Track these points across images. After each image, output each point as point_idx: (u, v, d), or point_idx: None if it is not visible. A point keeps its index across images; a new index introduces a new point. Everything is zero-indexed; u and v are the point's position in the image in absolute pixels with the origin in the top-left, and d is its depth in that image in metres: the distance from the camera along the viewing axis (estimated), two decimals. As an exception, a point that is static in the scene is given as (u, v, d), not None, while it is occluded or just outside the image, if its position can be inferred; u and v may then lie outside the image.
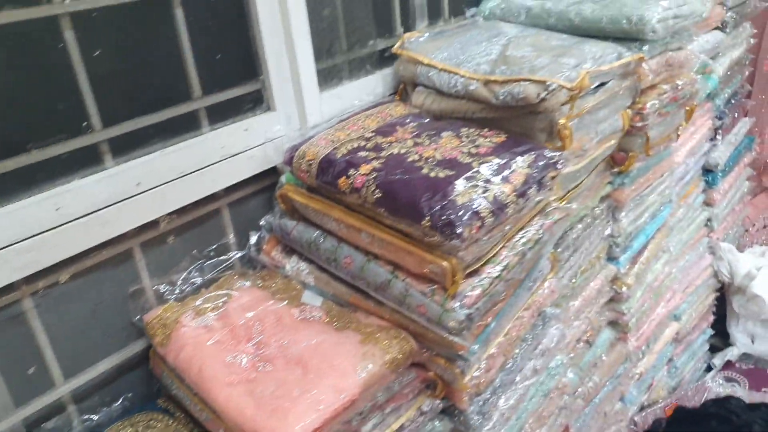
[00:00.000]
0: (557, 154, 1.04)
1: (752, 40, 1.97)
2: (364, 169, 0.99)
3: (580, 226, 1.30)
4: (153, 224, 1.02)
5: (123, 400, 1.05)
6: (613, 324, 1.56)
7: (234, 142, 1.07)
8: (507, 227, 1.00)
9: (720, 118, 1.86)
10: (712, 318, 2.16)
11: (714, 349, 2.23)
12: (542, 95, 1.06)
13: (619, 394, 1.63)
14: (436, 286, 0.94)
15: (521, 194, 0.96)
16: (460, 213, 0.88)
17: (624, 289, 1.50)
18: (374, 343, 0.95)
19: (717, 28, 1.72)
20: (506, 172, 0.97)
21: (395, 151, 1.04)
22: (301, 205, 1.09)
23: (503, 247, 1.00)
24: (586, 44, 1.22)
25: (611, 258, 1.48)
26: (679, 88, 1.40)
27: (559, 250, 1.24)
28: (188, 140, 1.02)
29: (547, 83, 1.06)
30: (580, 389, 1.43)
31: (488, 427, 1.09)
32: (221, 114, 1.07)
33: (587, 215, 1.32)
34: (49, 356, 0.96)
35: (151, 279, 1.05)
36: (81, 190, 0.90)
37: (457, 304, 0.91)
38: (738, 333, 2.21)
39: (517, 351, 1.13)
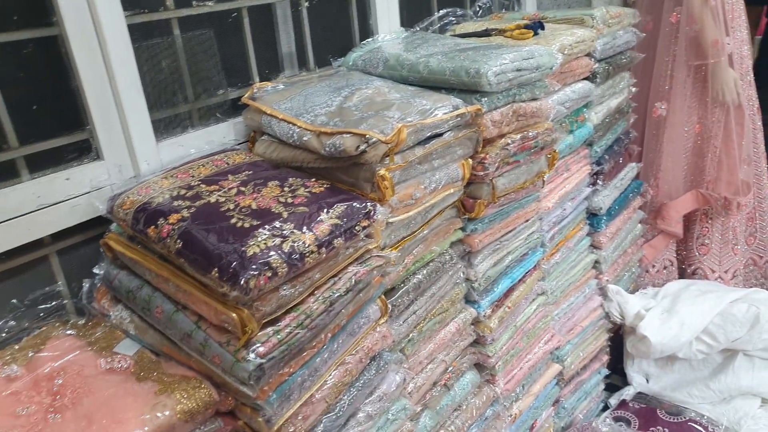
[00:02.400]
0: (370, 204, 1.08)
1: (633, 89, 2.06)
2: (173, 218, 1.01)
3: (424, 271, 1.32)
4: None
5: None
6: (479, 366, 1.57)
7: (54, 190, 1.08)
8: (317, 275, 1.02)
9: (599, 164, 1.92)
10: (606, 358, 2.19)
11: (614, 388, 2.26)
12: (362, 148, 1.10)
13: (489, 437, 1.64)
14: (232, 337, 0.95)
15: (325, 244, 0.99)
16: (248, 263, 0.90)
17: (487, 332, 1.52)
18: (170, 393, 0.95)
19: (587, 78, 1.80)
20: (312, 223, 1.00)
21: (212, 199, 1.06)
22: (120, 253, 1.10)
23: (311, 295, 1.02)
24: (422, 97, 1.27)
25: (471, 301, 1.51)
26: (531, 137, 1.45)
27: (397, 295, 1.26)
28: (3, 189, 1.03)
29: (367, 136, 1.10)
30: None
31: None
32: (41, 163, 1.08)
33: (433, 260, 1.35)
34: None
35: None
36: None
37: (250, 354, 0.92)
38: (633, 372, 2.24)
39: (344, 397, 1.14)
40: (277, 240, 0.95)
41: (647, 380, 2.22)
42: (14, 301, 1.10)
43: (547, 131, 1.51)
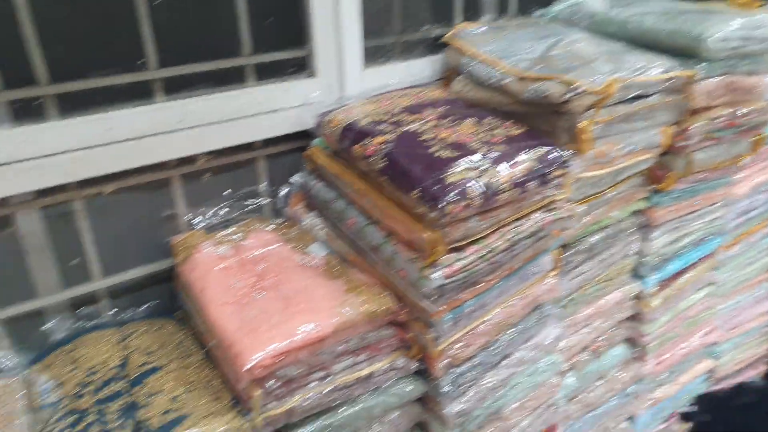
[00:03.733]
0: (568, 153, 1.07)
1: None
2: (378, 140, 1.08)
3: (600, 234, 1.30)
4: (191, 160, 1.17)
5: (147, 307, 1.21)
6: (630, 341, 1.53)
7: (274, 100, 1.19)
8: (503, 214, 1.04)
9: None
10: (764, 369, 2.02)
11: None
12: (567, 96, 1.09)
13: (629, 413, 1.60)
14: (419, 255, 1.01)
15: (519, 185, 1.01)
16: (447, 189, 0.94)
17: (647, 310, 1.47)
18: (357, 294, 1.04)
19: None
20: (509, 162, 1.02)
21: (413, 128, 1.11)
22: (321, 166, 1.20)
23: (496, 231, 1.05)
24: (633, 54, 1.22)
25: (639, 276, 1.46)
26: (740, 115, 1.35)
27: (569, 252, 1.25)
28: (232, 90, 1.16)
29: (574, 85, 1.09)
30: (580, 396, 1.44)
31: (463, 400, 1.14)
32: (265, 72, 1.19)
33: (610, 225, 1.32)
34: (92, 253, 1.14)
35: (186, 208, 1.21)
36: (130, 117, 1.05)
37: (435, 273, 0.98)
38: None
39: (504, 336, 1.17)
40: (475, 173, 0.98)
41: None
42: (228, 192, 1.24)
43: (760, 111, 1.39)
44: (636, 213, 1.38)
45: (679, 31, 1.26)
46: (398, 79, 1.33)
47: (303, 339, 0.96)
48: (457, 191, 0.94)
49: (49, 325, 1.13)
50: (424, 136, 1.08)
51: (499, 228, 1.05)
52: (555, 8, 1.51)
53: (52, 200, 1.06)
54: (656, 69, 1.17)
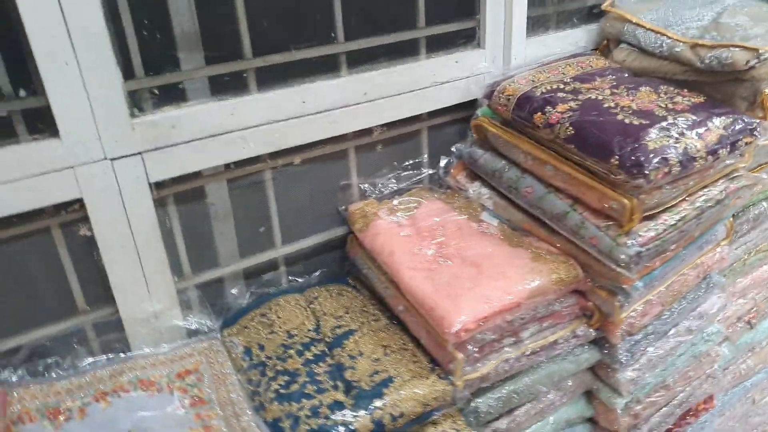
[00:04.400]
0: (757, 122, 1.06)
1: None
2: (561, 108, 1.08)
3: (766, 204, 1.28)
4: (368, 132, 1.21)
5: (321, 272, 1.27)
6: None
7: (444, 71, 1.21)
8: (691, 182, 1.04)
9: None
10: None
11: None
12: (751, 63, 1.07)
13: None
14: (611, 223, 1.02)
15: (712, 152, 1.00)
16: (650, 156, 0.95)
17: (803, 282, 1.45)
18: (543, 262, 1.06)
19: None
20: (701, 129, 1.01)
21: (592, 96, 1.11)
22: (493, 135, 1.21)
23: (684, 200, 1.05)
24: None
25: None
26: None
27: (738, 221, 1.24)
28: (408, 63, 1.18)
29: (760, 51, 1.07)
30: (731, 367, 1.43)
31: (634, 367, 1.16)
32: (437, 45, 1.21)
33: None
34: (276, 222, 1.19)
35: (358, 178, 1.25)
36: (322, 90, 1.09)
37: (631, 241, 0.99)
38: None
39: (675, 305, 1.18)
40: (672, 140, 0.98)
41: None
42: (395, 162, 1.28)
43: None
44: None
45: None
46: (558, 48, 1.33)
47: (501, 304, 0.98)
48: (659, 158, 0.95)
49: (234, 290, 1.19)
50: (607, 104, 1.09)
51: (687, 196, 1.05)
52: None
53: (244, 171, 1.11)
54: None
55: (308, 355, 1.03)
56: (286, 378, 0.98)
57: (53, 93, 0.85)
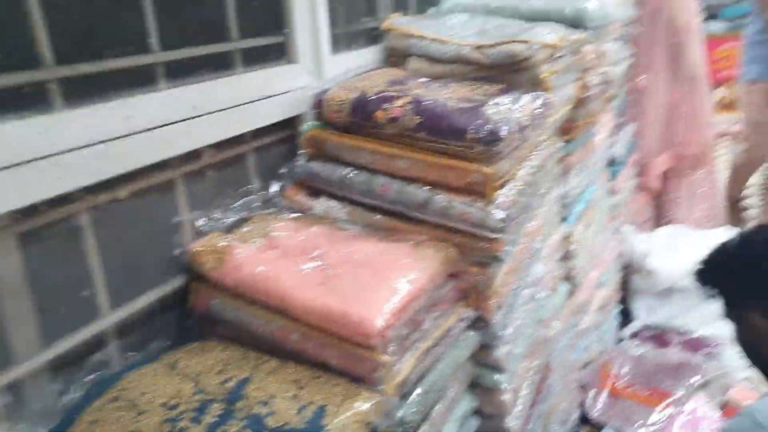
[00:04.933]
0: (550, 97, 1.24)
1: (629, 61, 2.39)
2: (399, 102, 1.11)
3: (545, 182, 1.50)
4: (196, 156, 1.04)
5: (163, 340, 1.02)
6: (567, 279, 1.76)
7: (267, 85, 1.14)
8: (521, 152, 1.16)
9: (620, 115, 2.22)
10: (619, 295, 2.47)
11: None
12: (530, 51, 1.26)
13: (573, 345, 1.82)
14: (474, 197, 1.06)
15: (533, 120, 1.14)
16: (498, 125, 1.03)
17: (573, 246, 1.72)
18: (425, 248, 1.04)
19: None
20: (519, 105, 1.14)
21: (419, 92, 1.17)
22: (333, 144, 1.17)
23: (518, 169, 1.16)
24: (542, 26, 1.45)
25: (563, 218, 1.70)
26: (605, 73, 1.69)
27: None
28: (230, 77, 1.08)
29: (531, 42, 1.27)
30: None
31: (505, 341, 1.21)
32: (255, 59, 1.13)
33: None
34: (99, 282, 0.93)
35: (191, 213, 1.06)
36: (146, 105, 0.91)
37: (496, 207, 1.04)
38: (638, 308, 2.54)
39: (520, 274, 1.27)
40: (505, 113, 1.08)
41: (649, 314, 2.53)
42: (228, 190, 1.13)
43: (611, 72, 1.76)
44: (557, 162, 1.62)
45: (565, 7, 1.54)
46: (357, 64, 1.36)
47: (409, 293, 0.93)
48: (506, 126, 1.04)
49: (58, 384, 0.87)
50: (434, 96, 1.15)
51: (519, 165, 1.16)
52: (448, 4, 1.70)
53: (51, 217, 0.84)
54: (564, 33, 1.43)
55: (208, 419, 0.81)
56: (197, 453, 0.75)
57: None
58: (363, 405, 0.84)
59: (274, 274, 0.96)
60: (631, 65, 2.40)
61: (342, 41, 1.37)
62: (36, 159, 0.76)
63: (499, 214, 1.04)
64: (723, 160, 3.33)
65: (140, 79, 0.92)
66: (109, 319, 0.94)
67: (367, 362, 0.88)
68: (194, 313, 1.06)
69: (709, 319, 2.44)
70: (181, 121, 0.96)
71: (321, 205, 1.19)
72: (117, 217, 0.92)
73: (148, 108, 0.91)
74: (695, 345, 2.30)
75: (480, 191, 1.06)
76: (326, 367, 0.92)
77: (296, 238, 1.07)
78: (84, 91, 0.84)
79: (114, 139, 0.86)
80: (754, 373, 2.25)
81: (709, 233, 2.46)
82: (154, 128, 0.92)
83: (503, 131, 1.02)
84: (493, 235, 1.05)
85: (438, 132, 1.06)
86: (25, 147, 0.75)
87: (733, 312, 1.16)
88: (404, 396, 0.96)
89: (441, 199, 1.08)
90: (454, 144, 1.05)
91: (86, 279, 0.90)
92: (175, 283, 1.05)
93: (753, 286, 1.09)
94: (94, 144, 0.83)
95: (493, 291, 1.12)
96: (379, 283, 0.94)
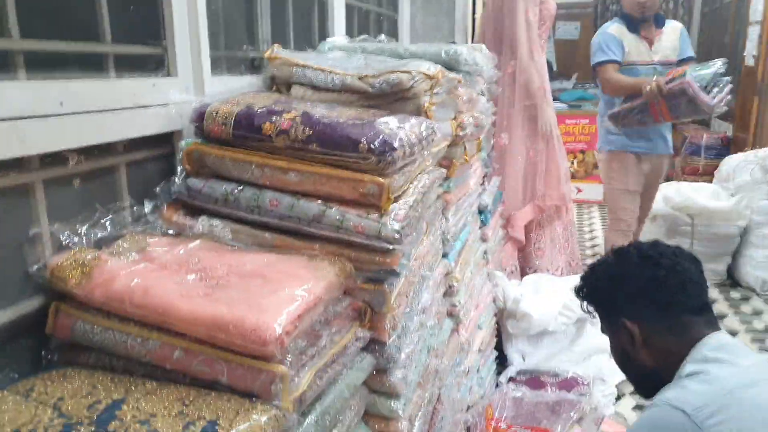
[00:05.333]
0: (435, 124, 1.28)
1: (493, 116, 2.60)
2: (288, 116, 1.09)
3: (431, 210, 1.53)
4: (62, 160, 0.93)
5: (8, 371, 0.85)
6: (450, 315, 1.77)
7: (145, 94, 1.06)
8: (411, 168, 1.17)
9: (487, 167, 2.36)
10: (494, 339, 2.54)
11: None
12: (414, 80, 1.31)
13: (459, 384, 1.82)
14: (368, 209, 1.05)
15: (420, 141, 1.16)
16: (391, 137, 1.04)
17: (455, 282, 1.75)
18: (320, 260, 1.00)
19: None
20: (406, 126, 1.17)
21: (306, 109, 1.15)
22: (216, 158, 1.10)
23: (409, 186, 1.16)
24: (419, 60, 1.53)
25: (444, 254, 1.73)
26: (476, 116, 1.81)
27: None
28: (106, 78, 0.99)
29: (413, 73, 1.33)
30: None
31: (399, 365, 1.17)
32: (133, 65, 1.06)
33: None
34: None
35: (51, 224, 0.93)
36: (4, 93, 0.80)
37: (391, 219, 1.03)
38: (513, 352, 2.62)
39: (411, 297, 1.26)
40: (394, 131, 1.10)
41: (523, 358, 2.62)
42: (97, 205, 1.01)
43: (481, 118, 1.89)
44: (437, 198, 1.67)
45: (440, 51, 1.65)
46: (236, 88, 1.32)
47: (306, 301, 0.87)
48: (398, 139, 1.05)
49: None
50: (321, 113, 1.14)
51: (410, 183, 1.17)
52: (326, 46, 1.74)
53: None
54: (443, 69, 1.51)
55: (72, 447, 0.67)
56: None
57: None
58: (261, 417, 0.75)
59: (152, 286, 0.85)
60: (493, 123, 2.60)
61: (223, 64, 1.34)
62: None
63: (395, 225, 1.03)
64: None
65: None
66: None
67: (262, 374, 0.80)
68: (53, 339, 0.91)
69: (579, 358, 2.59)
70: (45, 116, 0.85)
71: (202, 224, 1.10)
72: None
73: (5, 96, 0.80)
74: (568, 384, 2.41)
75: (374, 203, 1.04)
76: (214, 385, 0.82)
77: (175, 251, 0.97)
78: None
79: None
80: (620, 409, 2.41)
81: (572, 280, 2.65)
82: (12, 119, 0.80)
83: (396, 142, 1.03)
84: (390, 247, 1.03)
85: (330, 143, 1.04)
86: None
87: (608, 322, 1.23)
88: (302, 415, 0.88)
89: (335, 212, 1.05)
90: (347, 155, 1.03)
91: None
92: (30, 304, 0.90)
93: (624, 293, 1.17)
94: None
95: (388, 309, 1.09)
96: (273, 291, 0.87)
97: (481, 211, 2.40)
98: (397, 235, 1.02)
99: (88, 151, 0.97)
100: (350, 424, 1.05)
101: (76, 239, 0.95)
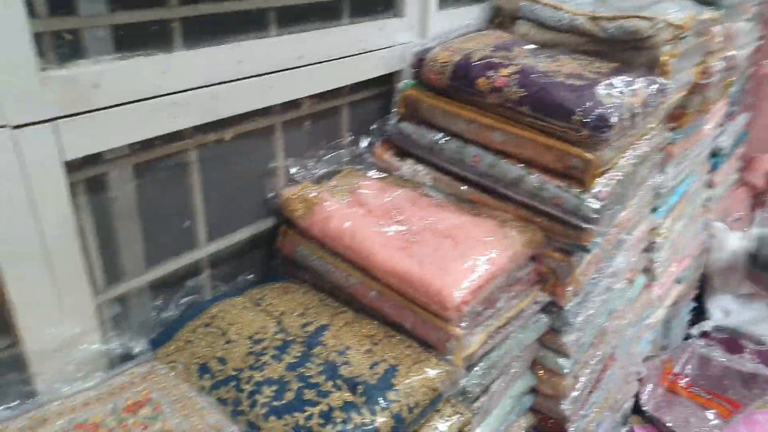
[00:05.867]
0: (667, 83, 1.16)
1: (757, 43, 2.19)
2: (504, 72, 1.07)
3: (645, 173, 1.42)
4: (296, 105, 1.06)
5: (249, 274, 1.07)
6: (645, 271, 1.70)
7: (371, 39, 1.12)
8: (627, 139, 1.10)
9: (734, 104, 2.06)
10: (694, 292, 2.37)
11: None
12: (653, 30, 1.18)
13: (639, 338, 1.78)
14: (570, 181, 1.03)
15: (642, 108, 1.07)
16: (609, 110, 0.98)
17: (659, 239, 1.64)
18: (510, 228, 1.03)
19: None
20: (632, 89, 1.08)
21: (526, 62, 1.12)
22: (428, 106, 1.15)
23: (620, 158, 1.10)
24: (670, 2, 1.35)
25: (653, 209, 1.62)
26: (729, 57, 1.56)
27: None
28: (337, 27, 1.06)
29: (656, 20, 1.18)
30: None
31: (576, 328, 1.19)
32: (361, 10, 1.11)
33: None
34: (200, 215, 0.97)
35: (286, 159, 1.08)
36: (257, 51, 0.92)
37: (593, 197, 1.01)
38: (714, 308, 2.43)
39: (602, 264, 1.24)
40: (616, 97, 1.03)
41: (727, 315, 2.41)
42: (322, 142, 1.14)
43: (736, 56, 1.63)
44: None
45: (698, -17, 1.42)
46: (462, 22, 1.31)
47: (488, 272, 0.93)
48: (617, 112, 0.98)
49: (157, 303, 0.94)
50: (541, 68, 1.10)
51: (622, 154, 1.11)
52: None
53: (165, 150, 0.89)
54: (695, 11, 1.32)
55: (288, 359, 0.85)
56: (274, 388, 0.79)
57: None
58: (432, 371, 0.85)
59: (358, 231, 0.98)
60: (757, 48, 2.21)
61: (448, -1, 1.32)
62: (156, 96, 0.79)
63: (595, 204, 1.00)
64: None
65: (252, 24, 0.93)
66: (205, 250, 1.00)
67: (440, 331, 0.90)
68: (280, 254, 1.10)
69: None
70: (286, 69, 0.97)
71: (408, 167, 1.18)
72: (220, 157, 0.96)
73: (257, 54, 0.92)
74: (771, 357, 2.20)
75: (578, 177, 1.02)
76: (400, 328, 0.95)
77: (382, 198, 1.08)
78: (201, 32, 0.85)
79: (226, 82, 0.88)
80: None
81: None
82: (262, 74, 0.93)
83: (614, 118, 0.97)
84: (585, 225, 1.01)
85: (542, 108, 1.02)
86: (148, 84, 0.78)
87: None
88: (469, 368, 0.97)
89: (535, 179, 1.05)
90: (557, 124, 1.00)
91: (188, 211, 0.96)
92: (266, 224, 1.09)
93: None
94: (208, 86, 0.86)
95: (572, 279, 1.10)
96: (460, 256, 0.94)
97: (713, 154, 2.14)
98: (595, 216, 1.00)
99: (318, 95, 1.08)
100: (515, 373, 1.13)
101: (303, 172, 1.10)
